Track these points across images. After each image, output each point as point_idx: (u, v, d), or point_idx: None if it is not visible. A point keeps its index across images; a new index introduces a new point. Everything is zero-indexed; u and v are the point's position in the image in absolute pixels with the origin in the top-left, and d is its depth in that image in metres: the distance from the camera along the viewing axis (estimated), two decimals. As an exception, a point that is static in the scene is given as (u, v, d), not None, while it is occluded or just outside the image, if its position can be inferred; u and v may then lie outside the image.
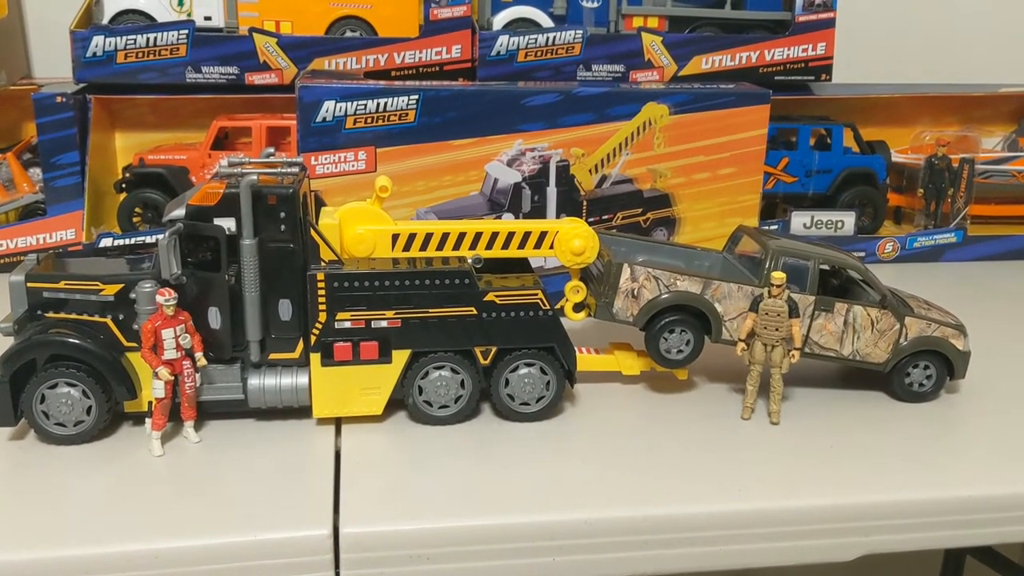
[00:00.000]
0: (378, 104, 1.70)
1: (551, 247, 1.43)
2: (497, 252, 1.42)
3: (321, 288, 1.32)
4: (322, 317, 1.32)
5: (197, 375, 1.30)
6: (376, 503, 1.17)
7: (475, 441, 1.35)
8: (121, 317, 1.30)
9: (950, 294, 1.71)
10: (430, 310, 1.35)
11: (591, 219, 1.80)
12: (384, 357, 1.35)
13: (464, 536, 1.14)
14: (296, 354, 1.35)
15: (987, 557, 2.17)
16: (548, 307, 1.38)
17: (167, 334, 1.26)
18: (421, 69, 2.06)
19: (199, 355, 1.29)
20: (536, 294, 1.37)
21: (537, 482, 1.23)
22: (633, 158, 1.80)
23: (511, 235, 1.42)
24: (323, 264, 1.34)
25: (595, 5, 2.13)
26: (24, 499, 1.17)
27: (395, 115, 1.71)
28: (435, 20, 2.04)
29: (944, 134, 2.35)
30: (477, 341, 1.37)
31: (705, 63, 2.12)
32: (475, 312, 1.36)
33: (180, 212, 1.28)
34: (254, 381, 1.34)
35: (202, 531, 1.11)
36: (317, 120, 1.69)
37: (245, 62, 2.00)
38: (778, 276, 1.37)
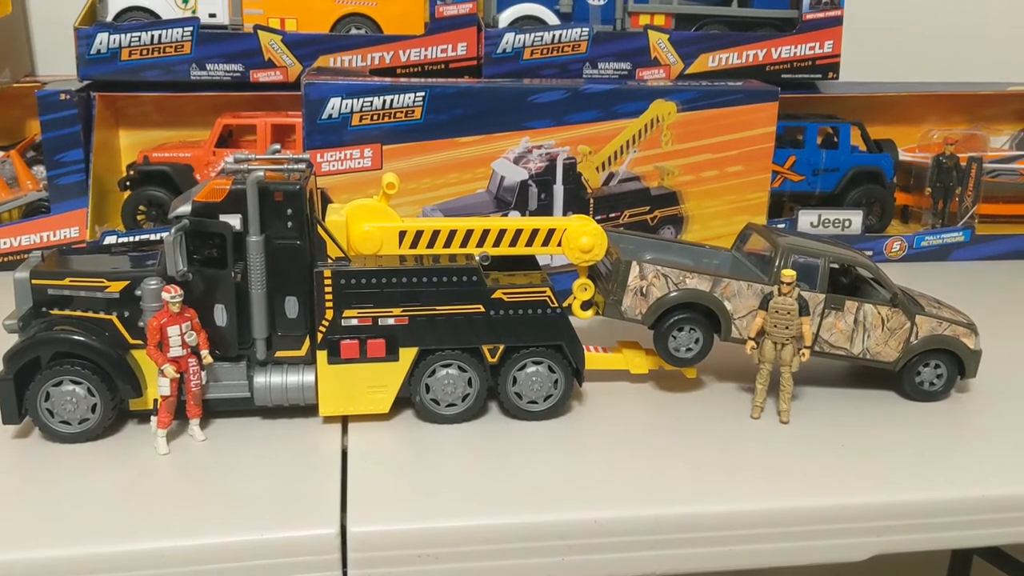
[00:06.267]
0: (384, 101, 1.69)
1: (559, 244, 1.42)
2: (505, 249, 1.41)
3: (328, 285, 1.31)
4: (329, 314, 1.31)
5: (203, 373, 1.29)
6: (384, 502, 1.16)
7: (482, 440, 1.33)
8: (126, 314, 1.29)
9: (958, 293, 1.69)
10: (437, 308, 1.34)
11: (598, 217, 1.79)
12: (391, 355, 1.34)
13: (473, 535, 1.13)
14: (302, 352, 1.34)
15: (994, 557, 2.15)
16: (556, 305, 1.37)
17: (173, 331, 1.25)
18: (427, 67, 2.05)
19: (205, 353, 1.28)
20: (544, 292, 1.36)
21: (546, 481, 1.22)
22: (640, 155, 1.79)
23: (519, 232, 1.41)
24: (330, 261, 1.33)
25: (601, 3, 2.11)
26: (28, 498, 1.16)
27: (401, 112, 1.70)
28: (441, 17, 2.03)
29: (952, 133, 2.34)
30: (485, 339, 1.36)
31: (712, 61, 2.11)
32: (483, 310, 1.35)
33: (186, 208, 1.27)
34: (260, 379, 1.33)
35: (208, 530, 1.10)
36: (323, 117, 1.68)
37: (250, 59, 2.00)
38: (788, 274, 1.36)
